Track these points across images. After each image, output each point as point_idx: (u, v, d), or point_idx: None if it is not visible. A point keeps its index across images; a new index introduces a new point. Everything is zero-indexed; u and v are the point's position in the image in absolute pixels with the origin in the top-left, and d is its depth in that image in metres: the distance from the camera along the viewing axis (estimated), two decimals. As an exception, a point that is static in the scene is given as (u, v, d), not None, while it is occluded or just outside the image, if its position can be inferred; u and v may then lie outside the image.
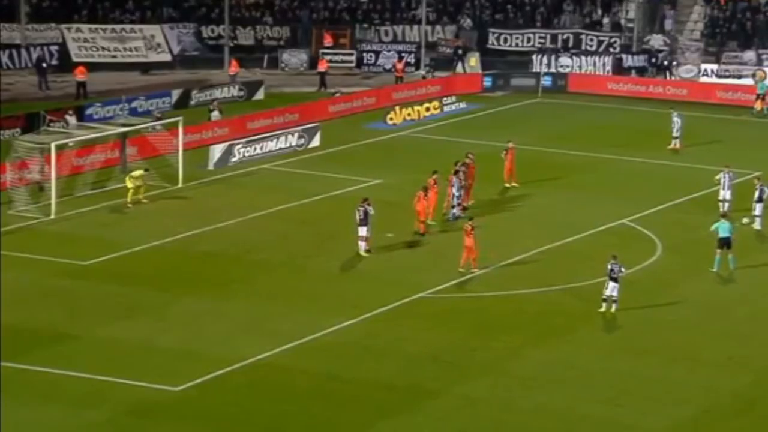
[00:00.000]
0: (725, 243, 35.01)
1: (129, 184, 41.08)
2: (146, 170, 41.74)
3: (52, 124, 48.34)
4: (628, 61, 63.23)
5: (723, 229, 35.07)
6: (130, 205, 40.93)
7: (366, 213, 36.05)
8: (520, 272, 35.46)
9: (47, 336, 30.42)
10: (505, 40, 65.89)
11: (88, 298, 33.10)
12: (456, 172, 39.94)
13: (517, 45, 65.61)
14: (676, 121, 49.38)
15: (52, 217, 39.64)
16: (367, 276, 35.11)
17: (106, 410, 26.85)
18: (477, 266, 34.80)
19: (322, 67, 61.42)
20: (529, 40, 65.54)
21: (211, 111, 51.84)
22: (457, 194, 39.56)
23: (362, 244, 36.11)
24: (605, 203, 42.08)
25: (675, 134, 49.38)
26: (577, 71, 62.49)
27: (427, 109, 55.29)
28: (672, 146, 49.24)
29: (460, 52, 64.17)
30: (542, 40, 65.30)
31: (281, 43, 66.21)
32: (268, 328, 31.24)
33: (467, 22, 66.52)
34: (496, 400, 27.68)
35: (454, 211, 39.46)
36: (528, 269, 35.72)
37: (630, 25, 65.42)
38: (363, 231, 36.06)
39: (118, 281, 34.25)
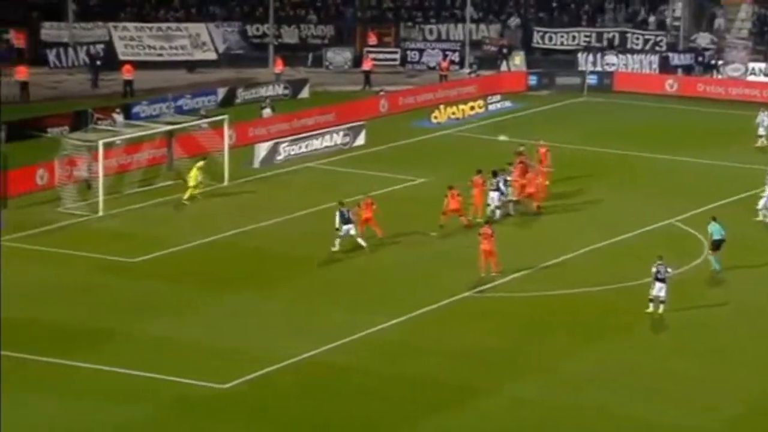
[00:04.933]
0: (717, 245, 34.81)
1: (192, 181, 41.07)
2: (204, 159, 41.89)
3: (99, 122, 48.63)
4: (675, 59, 62.78)
5: (716, 231, 34.94)
6: (186, 202, 41.06)
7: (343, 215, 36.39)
8: (568, 271, 35.28)
9: (95, 333, 30.59)
10: (550, 38, 65.60)
11: (136, 295, 33.27)
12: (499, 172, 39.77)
13: (562, 43, 65.29)
14: (764, 119, 49.20)
15: (100, 214, 39.88)
16: (412, 274, 35.07)
17: (153, 407, 26.98)
18: (498, 270, 34.29)
19: (366, 65, 61.44)
20: (574, 38, 65.24)
21: (262, 108, 51.99)
22: (503, 193, 39.39)
23: (360, 242, 36.53)
24: (653, 203, 41.81)
25: (761, 132, 49.17)
26: (623, 69, 62.12)
27: (472, 108, 55.10)
28: (759, 144, 48.96)
29: (504, 50, 63.98)
30: (587, 39, 64.98)
31: (326, 41, 66.26)
32: (314, 326, 31.28)
33: (515, 21, 66.30)
34: (545, 400, 27.56)
35: (496, 209, 39.16)
36: (577, 268, 35.52)
37: (676, 23, 64.94)
38: (351, 228, 36.45)
39: (165, 279, 34.41)
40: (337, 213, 36.71)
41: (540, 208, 40.03)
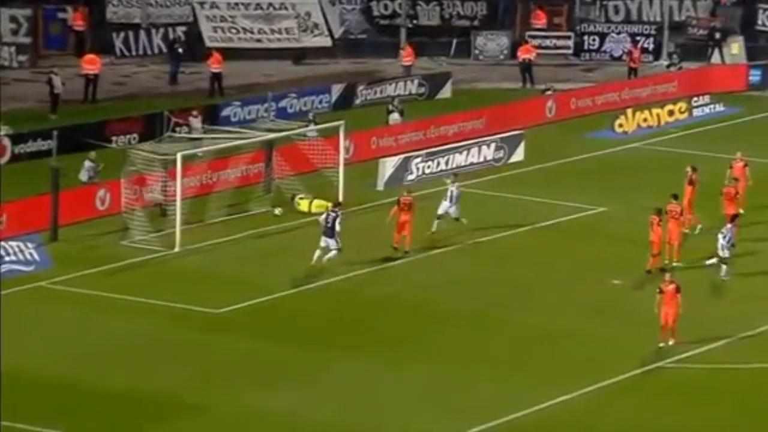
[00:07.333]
0: None
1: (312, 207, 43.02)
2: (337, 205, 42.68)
3: (178, 129, 49.60)
4: None
5: None
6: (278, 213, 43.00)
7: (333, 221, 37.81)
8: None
9: (169, 405, 31.08)
10: (781, 19, 65.24)
11: (220, 356, 33.75)
12: None
13: (797, 27, 64.91)
14: None
15: (177, 249, 40.64)
16: (585, 336, 35.02)
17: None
18: (672, 338, 34.08)
19: (528, 54, 61.56)
20: (815, 19, 64.73)
21: (389, 112, 52.57)
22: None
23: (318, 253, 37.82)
24: None
25: None
26: None
27: (671, 113, 55.11)
28: None
29: (717, 35, 63.59)
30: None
31: (475, 23, 66.66)
32: (455, 402, 31.38)
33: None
34: None
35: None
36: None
37: None
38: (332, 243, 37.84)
39: (259, 335, 34.86)
40: (322, 218, 37.80)
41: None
